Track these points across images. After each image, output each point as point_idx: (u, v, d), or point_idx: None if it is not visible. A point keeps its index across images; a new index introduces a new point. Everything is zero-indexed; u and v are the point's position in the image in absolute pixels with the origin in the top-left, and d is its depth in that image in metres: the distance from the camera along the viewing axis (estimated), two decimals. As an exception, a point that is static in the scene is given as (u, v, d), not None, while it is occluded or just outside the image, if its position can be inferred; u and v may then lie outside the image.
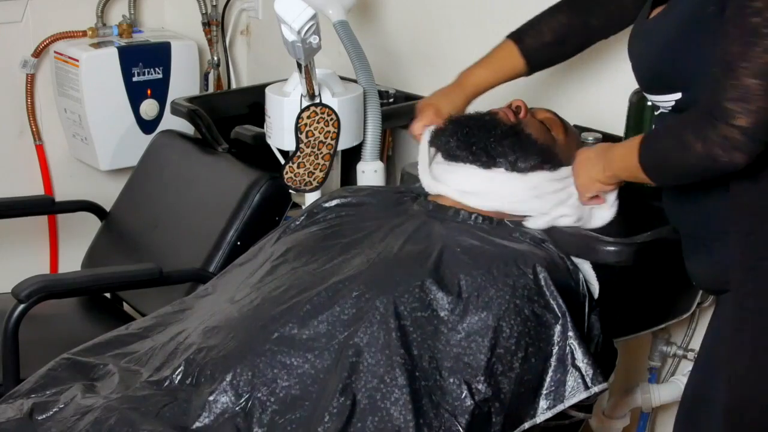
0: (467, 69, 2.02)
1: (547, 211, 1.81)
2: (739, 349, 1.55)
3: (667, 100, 1.63)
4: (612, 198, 1.80)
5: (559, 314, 1.65)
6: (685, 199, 1.66)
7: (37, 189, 3.09)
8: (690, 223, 1.68)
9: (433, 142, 1.93)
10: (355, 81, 2.40)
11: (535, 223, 1.81)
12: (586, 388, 1.64)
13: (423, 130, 1.98)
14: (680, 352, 2.28)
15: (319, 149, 2.23)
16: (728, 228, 1.56)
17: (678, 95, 1.60)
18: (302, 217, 1.95)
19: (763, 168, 1.51)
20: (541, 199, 1.81)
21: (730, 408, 1.57)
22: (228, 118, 2.66)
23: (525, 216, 1.82)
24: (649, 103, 1.87)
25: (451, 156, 1.88)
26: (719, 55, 1.46)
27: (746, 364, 1.54)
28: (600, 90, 2.30)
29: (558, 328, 1.64)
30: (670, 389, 2.25)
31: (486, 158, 1.84)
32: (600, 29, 1.98)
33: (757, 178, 1.52)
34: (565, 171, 1.84)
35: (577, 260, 1.77)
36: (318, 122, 2.21)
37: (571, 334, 1.64)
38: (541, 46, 1.97)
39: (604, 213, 1.81)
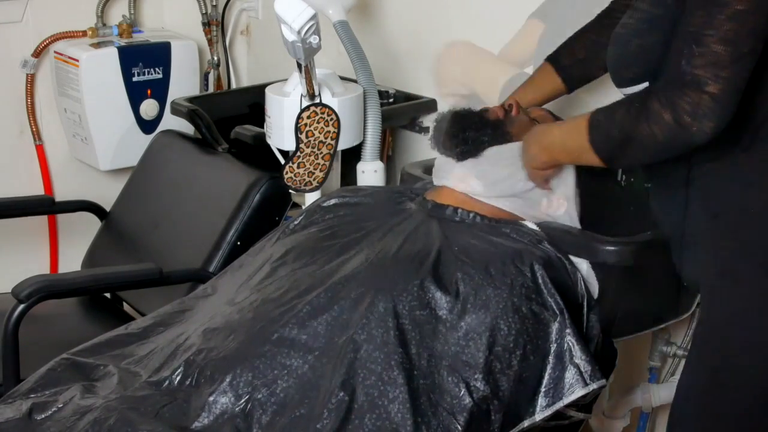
0: (513, 94, 2.03)
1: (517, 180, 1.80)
2: (706, 338, 1.57)
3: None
4: (563, 190, 1.80)
5: (557, 312, 1.65)
6: (669, 201, 1.67)
7: (37, 189, 3.09)
8: (675, 225, 1.68)
9: (431, 137, 1.93)
10: (355, 81, 2.40)
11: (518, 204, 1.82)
12: (585, 384, 1.63)
13: None
14: (680, 352, 2.27)
15: (319, 149, 2.23)
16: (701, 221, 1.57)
17: (645, 84, 1.60)
18: (301, 218, 1.95)
19: (722, 151, 1.51)
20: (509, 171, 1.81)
21: (705, 401, 1.58)
22: (228, 118, 2.66)
23: (513, 197, 1.82)
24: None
25: (441, 150, 1.88)
26: (682, 29, 1.46)
27: (713, 353, 1.57)
28: (600, 90, 2.30)
29: (556, 326, 1.64)
30: (670, 389, 2.24)
31: (461, 150, 1.84)
32: None
33: (718, 161, 1.52)
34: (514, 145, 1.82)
35: (576, 260, 1.77)
36: (318, 122, 2.21)
37: (568, 331, 1.64)
38: (575, 63, 1.99)
39: (557, 210, 1.82)
